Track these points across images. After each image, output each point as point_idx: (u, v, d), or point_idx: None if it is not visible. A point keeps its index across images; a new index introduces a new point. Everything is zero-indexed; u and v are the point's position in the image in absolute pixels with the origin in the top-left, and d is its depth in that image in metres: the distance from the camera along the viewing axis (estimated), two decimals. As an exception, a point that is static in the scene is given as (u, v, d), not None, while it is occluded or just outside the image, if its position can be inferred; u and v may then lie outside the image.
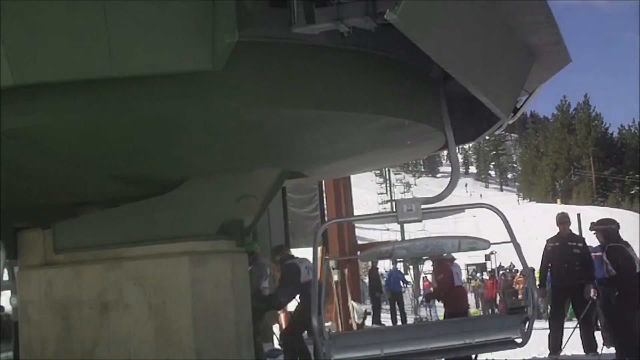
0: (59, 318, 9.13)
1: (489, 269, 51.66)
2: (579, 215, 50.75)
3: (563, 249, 14.35)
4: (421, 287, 43.19)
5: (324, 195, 24.25)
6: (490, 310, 40.57)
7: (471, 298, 47.01)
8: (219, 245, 9.12)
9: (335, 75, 7.51)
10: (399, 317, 31.57)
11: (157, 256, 8.81)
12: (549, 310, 17.37)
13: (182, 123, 7.31)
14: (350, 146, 9.17)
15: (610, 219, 14.20)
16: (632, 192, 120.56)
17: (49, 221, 9.30)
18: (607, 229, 13.55)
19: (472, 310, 41.19)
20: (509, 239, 8.46)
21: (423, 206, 7.80)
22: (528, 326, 8.66)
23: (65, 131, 7.14)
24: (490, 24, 7.82)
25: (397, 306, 31.93)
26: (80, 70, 6.29)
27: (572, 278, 14.09)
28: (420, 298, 36.24)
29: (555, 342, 14.11)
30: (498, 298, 41.05)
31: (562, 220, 14.73)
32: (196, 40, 6.28)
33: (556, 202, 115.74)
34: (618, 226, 13.65)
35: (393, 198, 71.62)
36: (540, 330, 15.32)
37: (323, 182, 23.48)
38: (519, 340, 8.93)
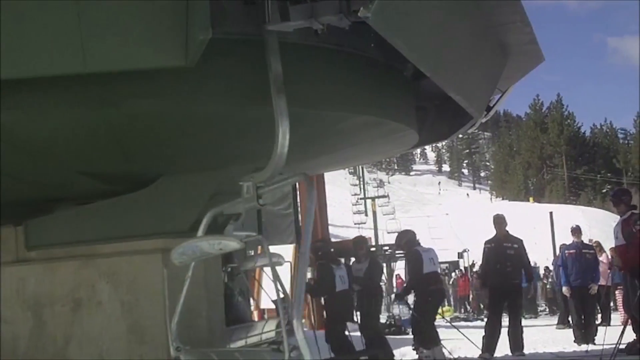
0: (31, 315, 9.09)
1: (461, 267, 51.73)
2: (551, 213, 51.18)
3: (498, 250, 14.56)
4: (394, 284, 43.24)
5: (298, 192, 24.25)
6: (462, 309, 40.66)
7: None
8: (193, 242, 9.09)
9: (309, 74, 7.51)
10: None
11: (130, 253, 8.78)
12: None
13: (156, 120, 7.28)
14: (324, 144, 9.18)
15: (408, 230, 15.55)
16: (604, 190, 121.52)
17: (21, 218, 9.25)
18: (409, 239, 14.65)
19: (445, 307, 41.35)
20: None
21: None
22: None
23: (38, 128, 7.11)
24: (464, 23, 7.84)
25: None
26: (53, 66, 6.25)
27: (505, 278, 14.33)
28: (392, 296, 36.25)
29: (489, 342, 14.21)
30: (471, 296, 41.15)
31: (498, 221, 14.99)
32: (169, 37, 6.25)
33: (529, 201, 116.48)
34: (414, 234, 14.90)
35: (367, 196, 71.65)
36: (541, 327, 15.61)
37: (297, 179, 23.46)
38: None
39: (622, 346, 12.95)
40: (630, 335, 13.29)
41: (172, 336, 6.06)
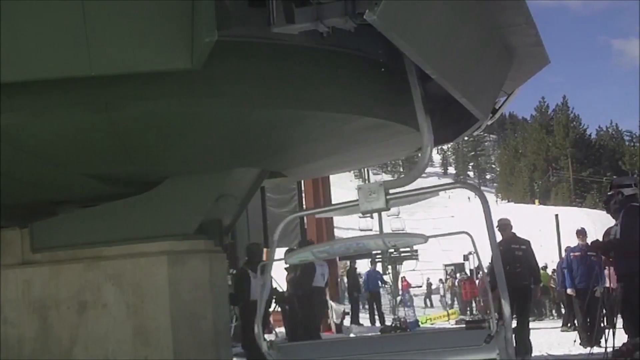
0: (37, 317, 9.09)
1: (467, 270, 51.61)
2: (557, 216, 51.04)
3: (507, 251, 14.60)
4: (399, 287, 43.18)
5: (303, 195, 24.24)
6: (468, 311, 40.56)
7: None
8: (198, 244, 9.10)
9: (314, 76, 7.51)
10: (377, 317, 31.57)
11: (135, 255, 8.78)
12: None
13: (161, 122, 7.29)
14: (329, 146, 9.17)
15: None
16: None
17: (27, 220, 9.25)
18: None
19: (451, 310, 41.31)
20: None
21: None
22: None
23: (43, 130, 7.12)
24: (470, 25, 7.83)
25: (375, 306, 31.90)
26: (59, 69, 6.26)
27: (515, 279, 14.35)
28: (398, 298, 36.23)
29: None
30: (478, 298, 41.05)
31: (503, 227, 15.03)
32: (175, 40, 6.26)
33: (534, 203, 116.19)
34: None
35: (372, 198, 71.44)
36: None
37: (302, 182, 23.48)
38: None
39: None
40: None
41: (260, 333, 6.16)
